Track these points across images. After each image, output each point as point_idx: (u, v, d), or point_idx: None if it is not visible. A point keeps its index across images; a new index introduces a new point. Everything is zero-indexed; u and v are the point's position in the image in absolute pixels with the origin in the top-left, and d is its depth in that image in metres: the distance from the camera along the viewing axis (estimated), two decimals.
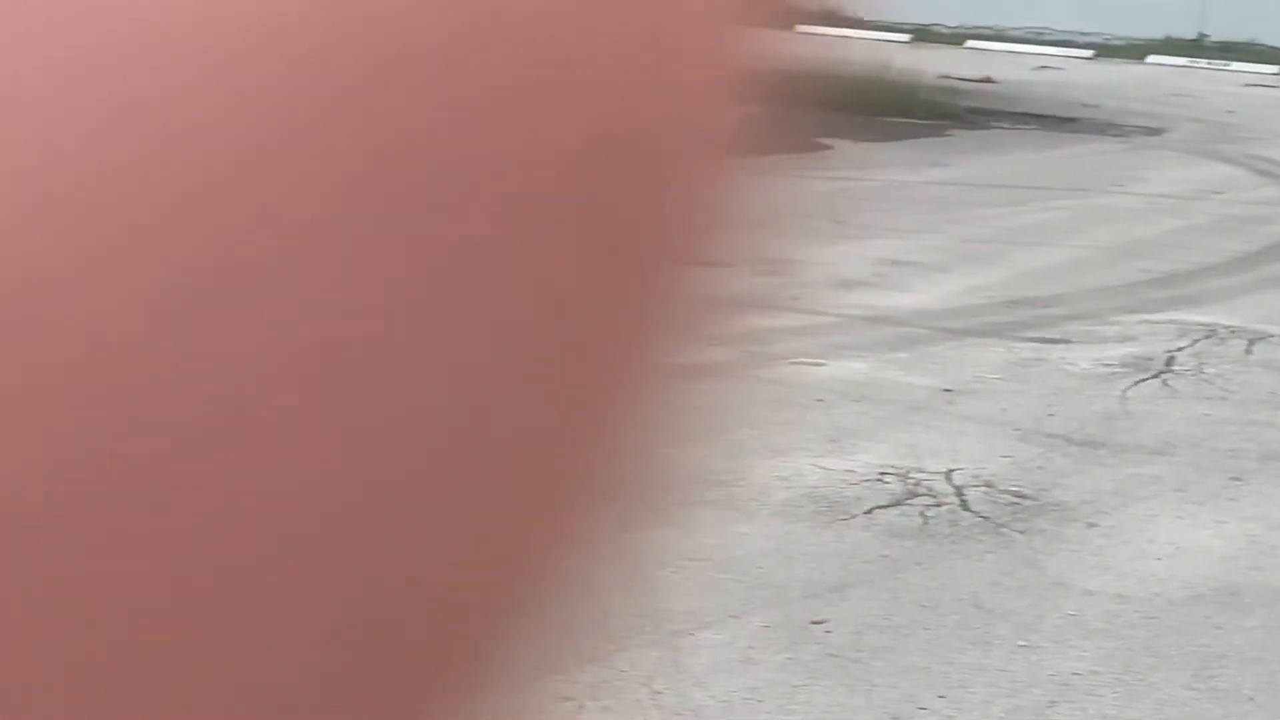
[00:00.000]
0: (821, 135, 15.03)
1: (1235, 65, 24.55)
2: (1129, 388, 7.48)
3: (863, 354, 7.88)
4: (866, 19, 27.27)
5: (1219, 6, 25.98)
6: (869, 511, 5.78)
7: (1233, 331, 8.54)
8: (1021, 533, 5.70)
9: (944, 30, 26.45)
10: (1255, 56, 25.00)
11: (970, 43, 25.65)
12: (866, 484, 6.05)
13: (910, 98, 17.37)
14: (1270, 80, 23.40)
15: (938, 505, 5.87)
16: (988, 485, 6.11)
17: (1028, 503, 5.99)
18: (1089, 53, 25.47)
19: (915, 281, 9.45)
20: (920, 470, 6.19)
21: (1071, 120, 17.40)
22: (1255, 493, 6.25)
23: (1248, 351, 8.23)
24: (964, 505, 5.89)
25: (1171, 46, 25.68)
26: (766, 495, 5.87)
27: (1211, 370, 7.84)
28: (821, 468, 6.18)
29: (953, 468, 6.25)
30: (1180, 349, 8.16)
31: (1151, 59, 25.08)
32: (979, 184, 13.29)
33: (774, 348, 7.84)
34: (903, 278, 9.53)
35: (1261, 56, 24.99)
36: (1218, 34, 26.10)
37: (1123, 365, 7.81)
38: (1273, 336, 8.50)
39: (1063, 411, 7.10)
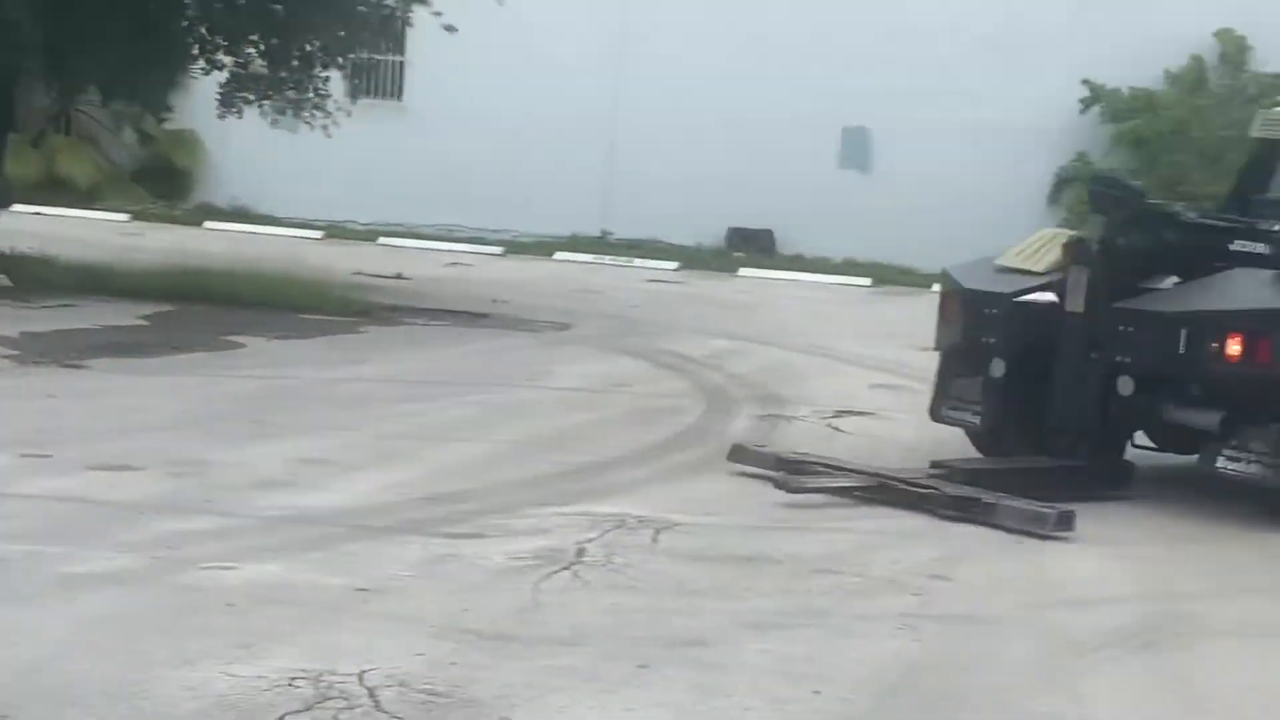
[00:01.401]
0: (233, 333, 14.89)
1: (638, 261, 25.57)
2: (541, 580, 7.57)
3: (277, 555, 7.75)
4: (279, 216, 27.31)
5: (621, 206, 27.08)
6: (280, 719, 5.65)
7: (640, 521, 8.78)
8: None
9: (357, 227, 26.70)
10: (656, 253, 26.12)
11: (383, 239, 25.96)
12: (278, 690, 5.91)
13: (323, 294, 17.41)
14: (671, 276, 24.46)
15: (350, 708, 5.78)
16: (402, 684, 6.06)
17: (442, 700, 5.96)
18: (499, 249, 26.12)
19: (331, 480, 9.39)
20: (333, 673, 6.09)
21: (483, 316, 17.73)
22: (662, 679, 6.39)
23: (655, 540, 8.47)
24: (377, 706, 5.82)
25: (578, 244, 26.58)
26: (173, 706, 5.67)
27: (620, 560, 8.03)
28: (231, 675, 6.01)
29: (366, 668, 6.17)
30: (590, 540, 8.33)
31: (559, 255, 25.89)
32: (394, 380, 13.37)
33: (185, 552, 7.64)
34: (318, 476, 9.46)
35: (662, 253, 26.12)
36: (621, 232, 27.17)
37: (535, 558, 7.91)
38: (678, 525, 8.78)
39: (476, 607, 7.13)
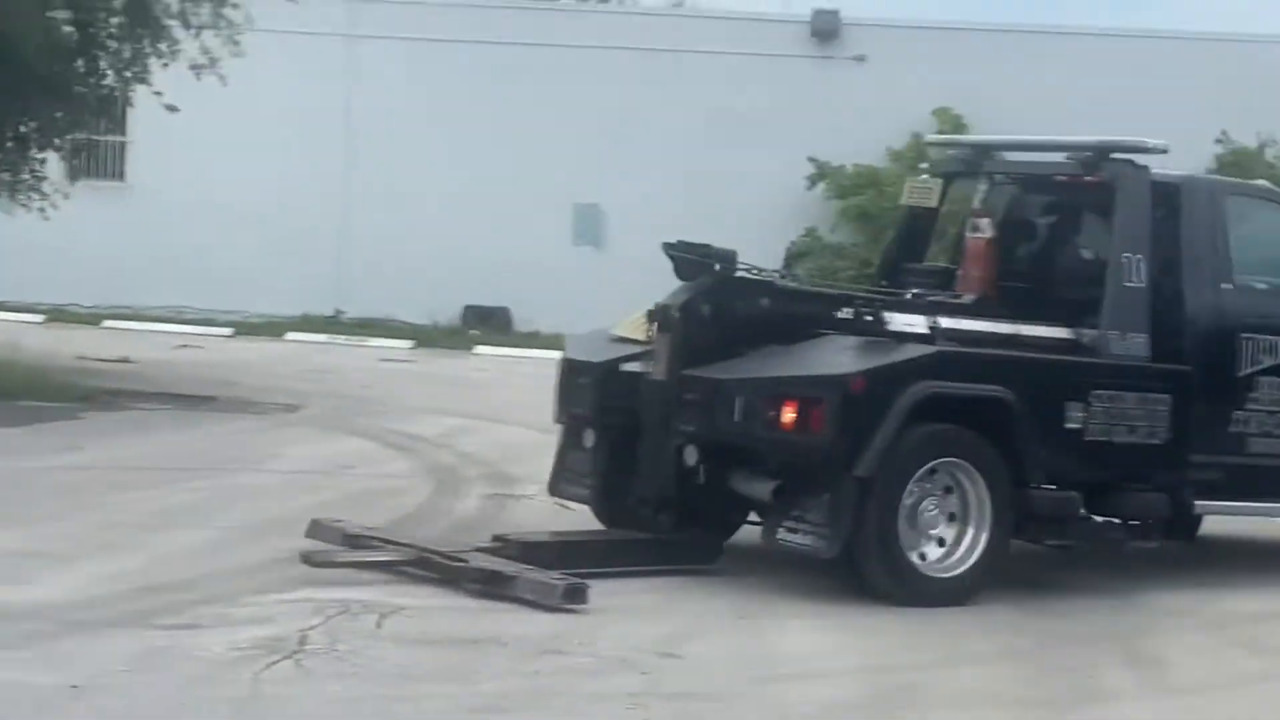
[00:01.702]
0: None
1: (372, 341, 25.38)
2: (262, 670, 7.39)
3: None
4: None
5: (355, 285, 26.87)
6: None
7: (365, 606, 8.63)
8: None
9: (80, 310, 26.10)
10: (390, 332, 25.96)
11: (108, 322, 25.40)
12: None
13: (43, 380, 16.95)
14: (405, 355, 24.31)
15: None
16: None
17: None
18: (229, 330, 25.72)
19: (41, 572, 9.09)
20: None
21: (210, 399, 17.40)
22: None
23: (379, 625, 8.33)
24: None
25: (310, 323, 26.30)
26: None
27: (344, 647, 7.86)
28: None
29: None
30: (314, 627, 8.15)
31: (291, 335, 25.58)
32: (115, 467, 13.03)
33: None
34: (28, 569, 9.14)
35: (396, 332, 25.97)
36: (354, 311, 26.95)
37: (256, 647, 7.72)
38: (404, 609, 8.64)
39: (194, 700, 6.94)
